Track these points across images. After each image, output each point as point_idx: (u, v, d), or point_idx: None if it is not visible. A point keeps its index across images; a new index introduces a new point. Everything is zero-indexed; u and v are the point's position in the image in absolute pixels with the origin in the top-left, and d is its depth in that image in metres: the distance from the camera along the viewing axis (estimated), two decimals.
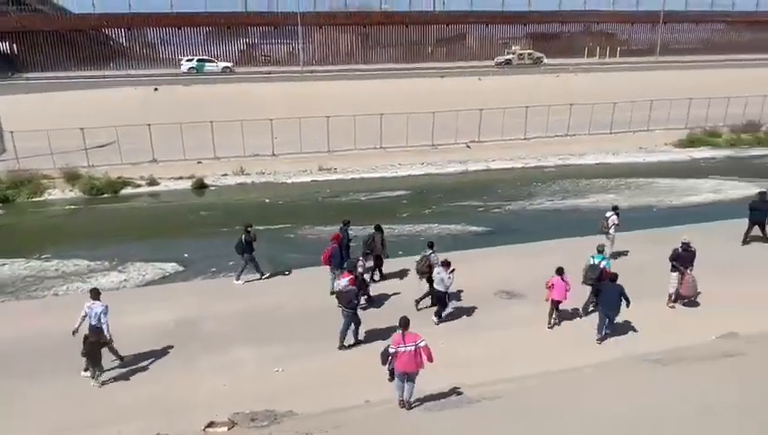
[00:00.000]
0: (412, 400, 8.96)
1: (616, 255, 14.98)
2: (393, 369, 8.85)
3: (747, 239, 16.24)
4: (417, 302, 12.65)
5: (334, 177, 25.87)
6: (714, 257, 13.86)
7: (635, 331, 11.64)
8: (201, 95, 40.67)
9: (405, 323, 8.67)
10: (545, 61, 59.66)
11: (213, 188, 24.31)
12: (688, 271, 12.29)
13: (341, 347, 11.04)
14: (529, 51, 61.95)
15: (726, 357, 9.97)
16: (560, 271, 11.38)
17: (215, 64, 55.35)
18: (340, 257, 12.95)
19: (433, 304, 12.33)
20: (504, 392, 9.16)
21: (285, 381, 10.05)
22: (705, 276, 12.66)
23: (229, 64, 56.95)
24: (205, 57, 56.68)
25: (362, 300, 12.05)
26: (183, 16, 60.93)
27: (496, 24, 69.12)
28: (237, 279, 14.21)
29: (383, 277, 14.37)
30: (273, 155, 26.62)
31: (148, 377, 10.26)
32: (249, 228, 13.77)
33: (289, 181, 25.27)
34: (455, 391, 9.41)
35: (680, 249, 12.40)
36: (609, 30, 72.59)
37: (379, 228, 13.97)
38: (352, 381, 9.87)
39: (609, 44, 68.95)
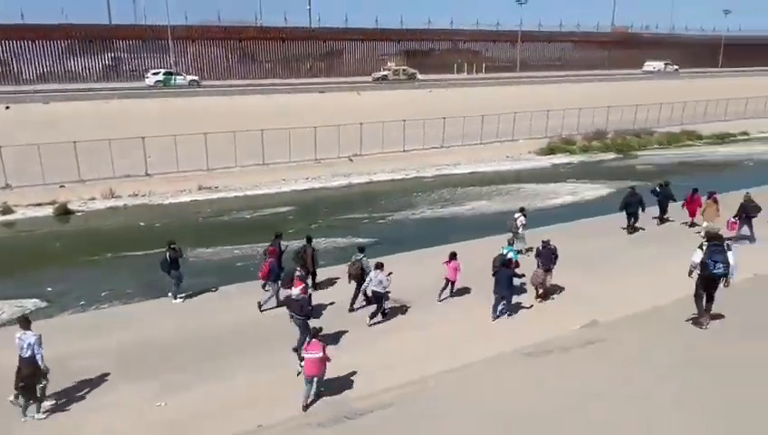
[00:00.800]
0: (313, 396, 9.65)
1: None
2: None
3: (628, 230, 18.39)
4: (352, 304, 13.10)
5: (216, 195, 25.02)
6: (575, 253, 15.40)
7: (510, 325, 12.56)
8: (63, 113, 37.23)
9: (313, 333, 9.69)
10: (419, 76, 62.51)
11: (79, 213, 22.38)
12: (538, 266, 13.47)
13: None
14: (404, 67, 64.53)
15: (589, 344, 11.05)
16: (452, 255, 13.16)
17: (182, 77, 54.30)
18: (278, 271, 13.07)
19: (369, 304, 12.96)
20: (395, 400, 9.27)
21: (169, 416, 9.50)
22: (568, 271, 14.03)
23: (195, 77, 55.47)
24: (172, 70, 55.39)
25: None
26: (38, 29, 55.36)
27: (372, 41, 71.27)
28: (175, 298, 13.79)
29: (316, 287, 14.32)
30: (148, 175, 25.16)
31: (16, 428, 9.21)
32: (173, 245, 13.50)
33: (166, 202, 24.00)
34: (348, 405, 9.45)
35: (540, 248, 13.64)
36: (474, 48, 77.94)
37: (309, 240, 14.24)
38: (249, 404, 9.61)
39: (475, 61, 74.14)
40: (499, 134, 34.18)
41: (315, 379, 9.53)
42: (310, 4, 72.97)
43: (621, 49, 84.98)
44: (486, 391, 9.28)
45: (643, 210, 18.25)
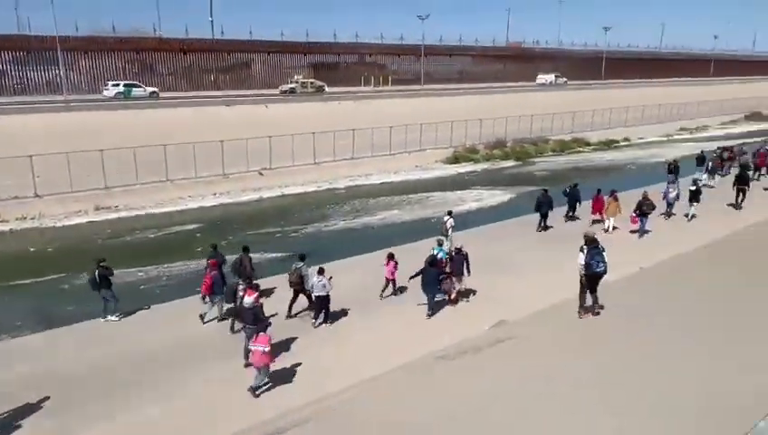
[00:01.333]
0: (260, 383, 10.26)
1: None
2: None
3: (540, 229, 19.78)
4: (290, 311, 13.26)
5: (115, 215, 23.65)
6: (489, 255, 16.21)
7: (431, 327, 12.90)
8: None
9: (262, 327, 10.34)
10: (327, 89, 62.77)
11: None
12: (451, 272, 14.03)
13: (247, 365, 10.89)
14: (311, 80, 64.45)
15: (499, 343, 11.65)
16: (390, 256, 14.05)
17: (142, 89, 52.46)
18: (222, 283, 12.91)
19: (310, 308, 13.20)
20: (315, 415, 9.24)
21: None
22: (483, 274, 14.70)
23: (156, 89, 53.52)
24: (132, 82, 53.36)
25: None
26: None
27: (278, 54, 70.56)
28: (108, 317, 13.19)
29: None
30: (37, 196, 23.30)
31: None
32: (102, 262, 13.10)
33: (59, 225, 22.35)
34: (269, 423, 9.31)
35: (453, 254, 14.25)
36: (380, 61, 79.51)
37: (246, 250, 14.26)
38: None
39: (382, 74, 75.62)
40: (407, 145, 35.13)
41: (262, 370, 10.15)
42: (212, 16, 71.08)
43: (516, 63, 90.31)
44: (400, 402, 9.45)
45: (551, 210, 19.87)
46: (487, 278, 14.89)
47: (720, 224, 19.92)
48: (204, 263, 14.27)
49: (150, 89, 53.73)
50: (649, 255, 16.48)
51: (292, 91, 60.57)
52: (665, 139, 49.22)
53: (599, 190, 20.39)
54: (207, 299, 13.02)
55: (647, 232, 19.18)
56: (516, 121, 41.61)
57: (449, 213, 18.20)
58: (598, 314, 11.99)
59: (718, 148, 31.64)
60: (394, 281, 14.30)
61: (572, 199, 20.79)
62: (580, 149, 43.27)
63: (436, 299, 13.48)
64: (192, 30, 66.01)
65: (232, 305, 12.64)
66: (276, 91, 60.33)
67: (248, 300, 10.98)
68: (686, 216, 20.83)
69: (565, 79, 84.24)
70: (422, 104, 53.45)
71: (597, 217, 20.37)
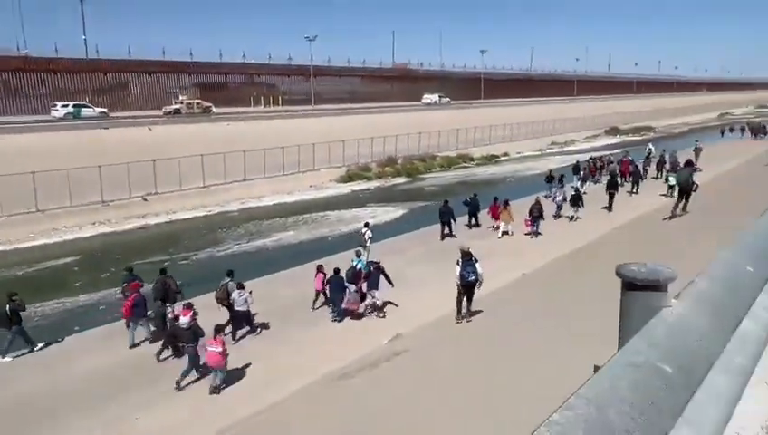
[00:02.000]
0: (219, 382, 10.99)
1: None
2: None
3: (443, 238, 20.93)
4: (223, 328, 12.77)
5: None
6: (392, 269, 16.61)
7: (334, 345, 12.97)
8: None
9: (217, 330, 11.03)
10: (215, 110, 61.09)
11: None
12: (350, 287, 14.34)
13: (179, 388, 11.03)
14: (197, 100, 62.45)
15: (396, 356, 12.03)
16: (319, 268, 14.65)
17: (92, 109, 53.07)
18: (144, 305, 12.90)
19: (236, 329, 13.27)
20: None
21: None
22: (381, 288, 15.06)
23: (105, 109, 54.30)
24: (81, 102, 53.73)
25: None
26: None
27: (161, 74, 67.60)
28: (3, 357, 12.53)
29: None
30: None
31: None
32: (14, 297, 12.66)
33: None
34: None
35: (372, 269, 14.64)
36: (270, 81, 78.96)
37: (164, 272, 14.30)
38: None
39: (271, 94, 75.05)
40: (301, 165, 35.15)
41: (218, 370, 10.86)
42: (85, 34, 66.68)
43: (403, 83, 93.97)
44: (298, 430, 9.47)
45: (454, 220, 21.45)
46: (388, 292, 15.29)
47: (598, 223, 22.31)
48: (109, 291, 13.43)
49: (99, 109, 53.26)
50: (540, 256, 17.97)
51: (177, 112, 58.28)
52: (539, 153, 53.54)
53: (495, 199, 22.34)
54: (131, 323, 12.93)
55: (539, 234, 21.20)
56: (406, 139, 43.22)
57: (366, 224, 19.40)
58: (470, 320, 13.08)
59: (590, 158, 35.40)
60: (325, 292, 14.70)
61: (473, 208, 22.65)
62: (466, 164, 45.87)
63: (344, 306, 13.92)
64: (65, 50, 61.25)
65: (155, 329, 12.80)
66: (160, 113, 57.69)
67: (184, 320, 11.21)
68: (570, 217, 23.36)
69: (449, 99, 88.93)
70: (314, 124, 53.77)
71: (495, 223, 22.18)
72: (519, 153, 51.91)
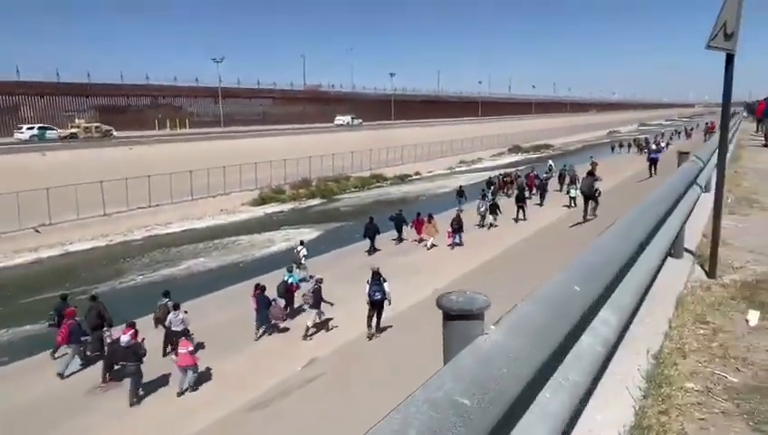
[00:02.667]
0: (191, 383, 11.48)
1: None
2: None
3: (371, 253, 21.67)
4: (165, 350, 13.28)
5: None
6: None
7: (252, 372, 12.58)
8: None
9: (184, 332, 11.96)
10: (116, 133, 57.89)
11: None
12: (279, 301, 14.73)
13: (133, 404, 11.05)
14: (96, 124, 58.82)
15: (310, 382, 11.83)
16: (257, 286, 14.42)
17: (56, 132, 53.10)
18: (80, 332, 12.69)
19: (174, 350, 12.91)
20: None
21: None
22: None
23: (74, 131, 54.37)
24: (46, 125, 54.02)
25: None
26: None
27: (55, 96, 63.13)
28: None
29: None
30: None
31: None
32: None
33: None
34: None
35: (315, 286, 14.62)
36: (176, 103, 76.11)
37: (94, 298, 14.13)
38: None
39: (178, 116, 72.35)
40: (211, 189, 34.08)
41: (189, 370, 11.34)
42: None
43: (315, 105, 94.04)
44: None
45: (379, 234, 22.18)
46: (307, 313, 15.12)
47: (512, 231, 23.72)
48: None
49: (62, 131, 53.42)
50: (459, 266, 18.56)
51: (74, 136, 54.59)
52: (449, 171, 55.48)
53: (418, 214, 23.28)
54: (60, 351, 12.72)
55: (460, 244, 22.16)
56: (319, 161, 43.22)
57: (302, 242, 20.24)
58: (378, 336, 13.60)
59: (500, 174, 38.21)
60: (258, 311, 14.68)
61: (398, 223, 23.45)
62: (379, 184, 46.58)
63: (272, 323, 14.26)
64: None
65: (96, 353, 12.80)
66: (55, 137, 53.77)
67: (125, 338, 11.08)
68: (489, 226, 25.07)
69: (360, 120, 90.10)
70: (224, 146, 52.37)
71: (419, 236, 22.90)
72: (430, 172, 53.49)
